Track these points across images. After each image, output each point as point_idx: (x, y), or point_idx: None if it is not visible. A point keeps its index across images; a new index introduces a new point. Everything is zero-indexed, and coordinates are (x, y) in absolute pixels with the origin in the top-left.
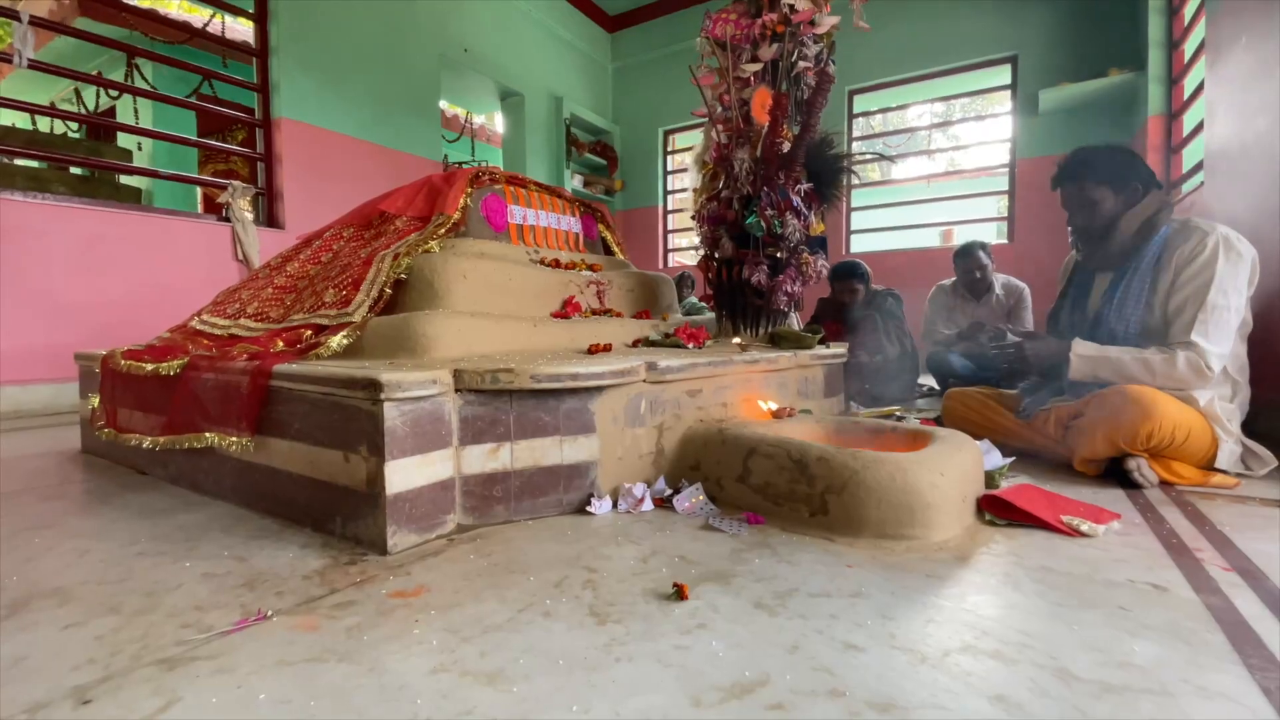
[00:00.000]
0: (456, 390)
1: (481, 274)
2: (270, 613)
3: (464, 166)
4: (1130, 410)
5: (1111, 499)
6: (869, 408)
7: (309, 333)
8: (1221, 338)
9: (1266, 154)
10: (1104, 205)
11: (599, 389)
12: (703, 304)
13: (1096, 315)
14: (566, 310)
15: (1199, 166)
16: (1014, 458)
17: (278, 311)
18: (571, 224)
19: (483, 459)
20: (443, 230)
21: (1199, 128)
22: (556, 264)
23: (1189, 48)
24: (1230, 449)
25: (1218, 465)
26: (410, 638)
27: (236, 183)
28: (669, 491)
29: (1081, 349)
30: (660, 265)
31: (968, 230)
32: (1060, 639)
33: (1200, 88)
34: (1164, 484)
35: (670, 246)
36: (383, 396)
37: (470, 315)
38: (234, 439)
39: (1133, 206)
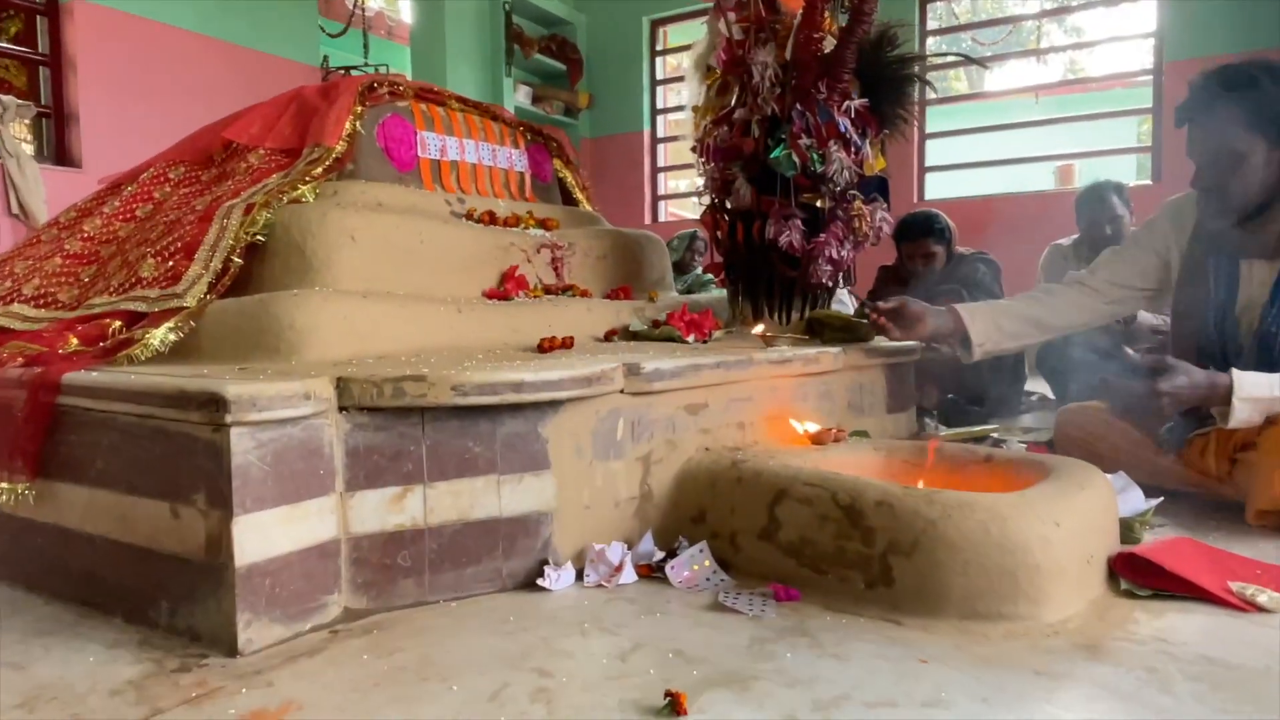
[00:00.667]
0: (341, 409)
1: (379, 234)
2: None
3: (353, 74)
4: None
5: None
6: (953, 426)
7: (117, 324)
8: None
9: None
10: (1254, 163)
11: (554, 404)
12: (709, 278)
13: (1257, 327)
14: (507, 287)
15: None
16: (1161, 499)
17: (70, 293)
18: (514, 159)
19: (382, 511)
20: (319, 169)
21: None
22: (491, 219)
23: None
24: None
25: None
26: None
27: (8, 98)
28: (659, 555)
29: (1247, 387)
30: (648, 219)
31: (1095, 167)
32: None
33: None
34: None
35: (664, 191)
36: (229, 419)
37: (362, 296)
38: (4, 486)
39: None
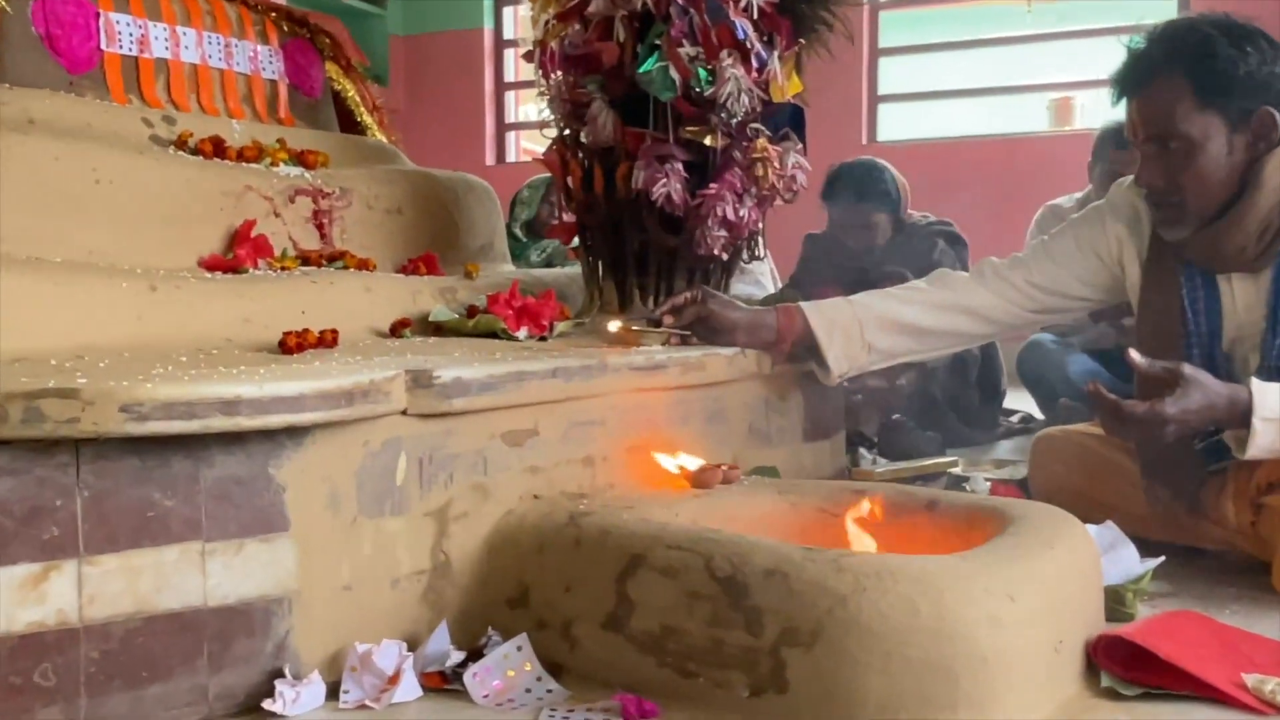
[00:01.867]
0: None
1: (28, 168)
2: None
3: None
4: None
5: None
6: (898, 459)
7: None
8: None
9: None
10: (1213, 150)
11: (295, 433)
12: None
13: (1258, 364)
14: (238, 254)
15: None
16: (1162, 558)
17: None
18: (261, 61)
19: (8, 603)
20: None
21: None
22: (218, 150)
23: None
24: None
25: None
26: None
27: None
28: (458, 656)
29: (1271, 404)
30: (490, 158)
31: (1104, 102)
32: None
33: None
34: None
35: (514, 119)
36: None
37: None
38: None
39: (1273, 148)
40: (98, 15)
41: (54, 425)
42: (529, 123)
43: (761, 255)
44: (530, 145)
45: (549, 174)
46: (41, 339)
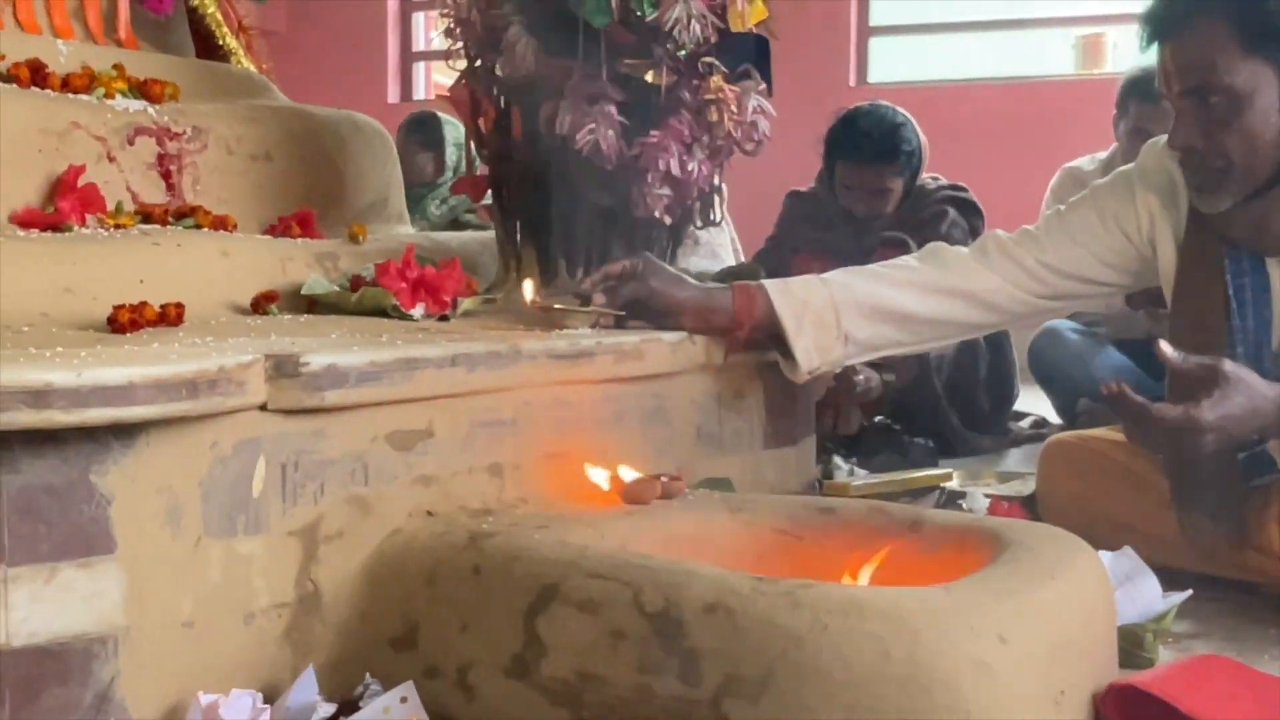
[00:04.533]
0: None
1: None
2: None
3: None
4: None
5: None
6: (880, 470)
7: None
8: None
9: None
10: (1262, 105)
11: (125, 432)
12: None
13: None
14: (60, 207)
15: None
16: (1189, 592)
17: None
18: None
19: None
20: None
21: None
22: (38, 77)
23: None
24: None
25: None
26: None
27: None
28: (328, 710)
29: None
30: (394, 95)
31: (1133, 38)
32: None
33: None
34: None
35: (425, 45)
36: None
37: None
38: None
39: None
40: None
41: None
42: (440, 51)
43: (718, 221)
44: (444, 79)
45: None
46: None
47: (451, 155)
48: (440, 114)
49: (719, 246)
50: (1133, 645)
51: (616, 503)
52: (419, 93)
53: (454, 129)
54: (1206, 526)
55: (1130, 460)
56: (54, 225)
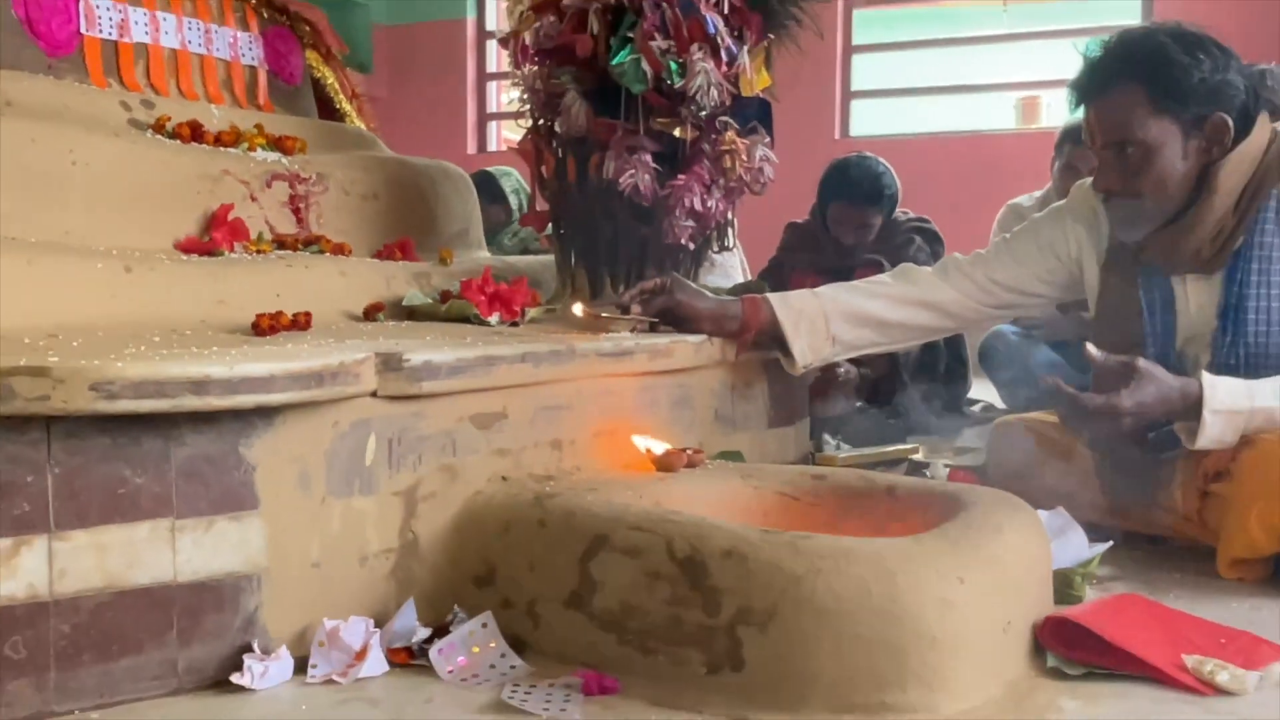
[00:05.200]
0: None
1: (5, 148)
2: None
3: None
4: None
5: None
6: (861, 445)
7: None
8: None
9: None
10: (1169, 155)
11: (266, 413)
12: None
13: (1208, 361)
14: (214, 237)
15: None
16: (1110, 543)
17: None
18: (242, 47)
19: None
20: None
21: None
22: (196, 134)
23: None
24: None
25: None
26: None
27: None
28: (424, 633)
29: (1221, 396)
30: (472, 147)
31: (1065, 98)
32: None
33: None
34: None
35: (495, 108)
36: None
37: None
38: None
39: (1226, 153)
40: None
41: (24, 403)
42: (509, 113)
43: (731, 246)
44: (511, 135)
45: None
46: (14, 317)
47: (513, 199)
48: (494, 170)
49: (730, 267)
50: (1064, 585)
51: (651, 471)
52: (491, 145)
53: (511, 179)
54: (1124, 491)
55: (1062, 438)
56: (209, 251)
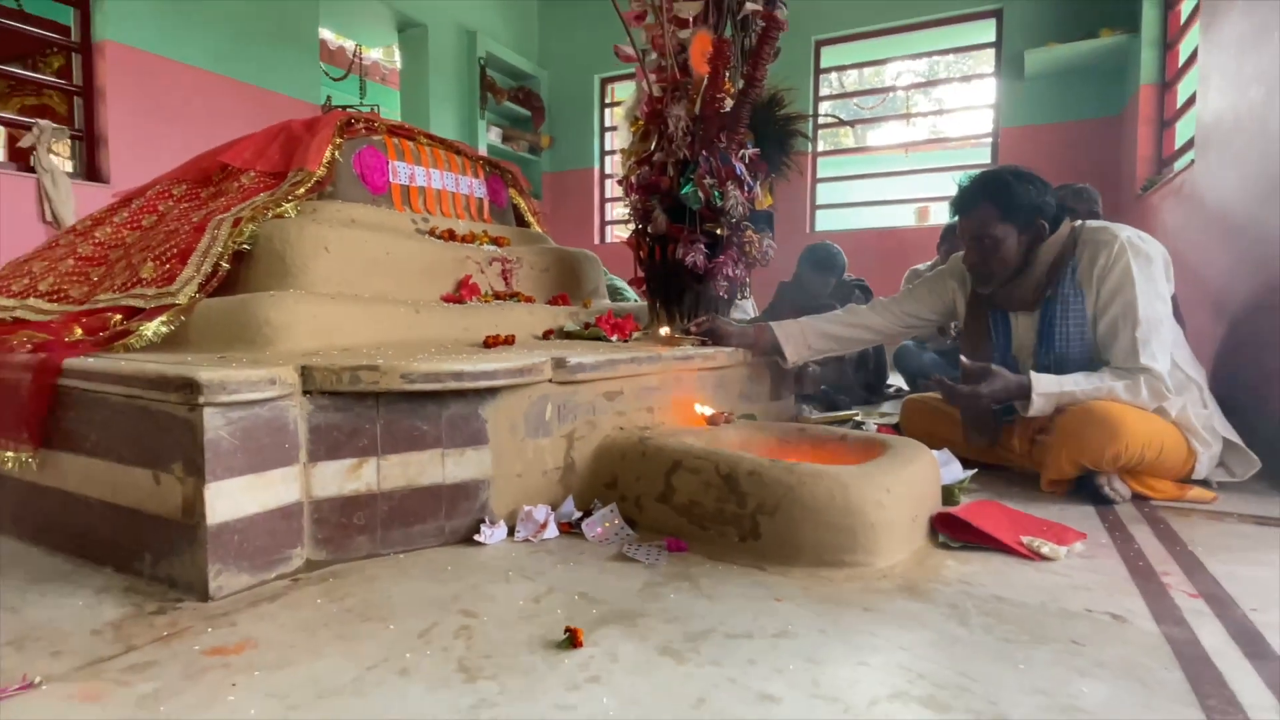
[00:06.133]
0: (305, 392)
1: (350, 246)
2: (39, 679)
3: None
4: (1095, 432)
5: (1080, 515)
6: (825, 411)
7: (117, 317)
8: (1165, 354)
9: (1260, 127)
10: (1009, 244)
11: (493, 391)
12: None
13: (1032, 363)
14: (461, 293)
15: (1191, 143)
16: (975, 470)
17: (80, 289)
18: (473, 187)
19: (340, 479)
20: (301, 190)
21: (1192, 100)
22: (451, 236)
23: (1185, 8)
24: (1209, 458)
25: (1196, 476)
26: (222, 706)
27: (45, 122)
28: (578, 515)
29: (1042, 385)
30: (596, 240)
31: (946, 208)
32: (1003, 681)
33: (1195, 54)
34: (1137, 498)
35: (610, 218)
36: (202, 400)
37: (331, 298)
38: (11, 454)
39: (1042, 242)
40: (388, 162)
41: (365, 385)
42: (618, 220)
43: (747, 296)
44: (620, 233)
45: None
46: (358, 338)
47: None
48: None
49: (746, 308)
50: (947, 495)
51: (704, 425)
52: (607, 239)
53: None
54: (981, 439)
55: (944, 408)
56: (459, 301)
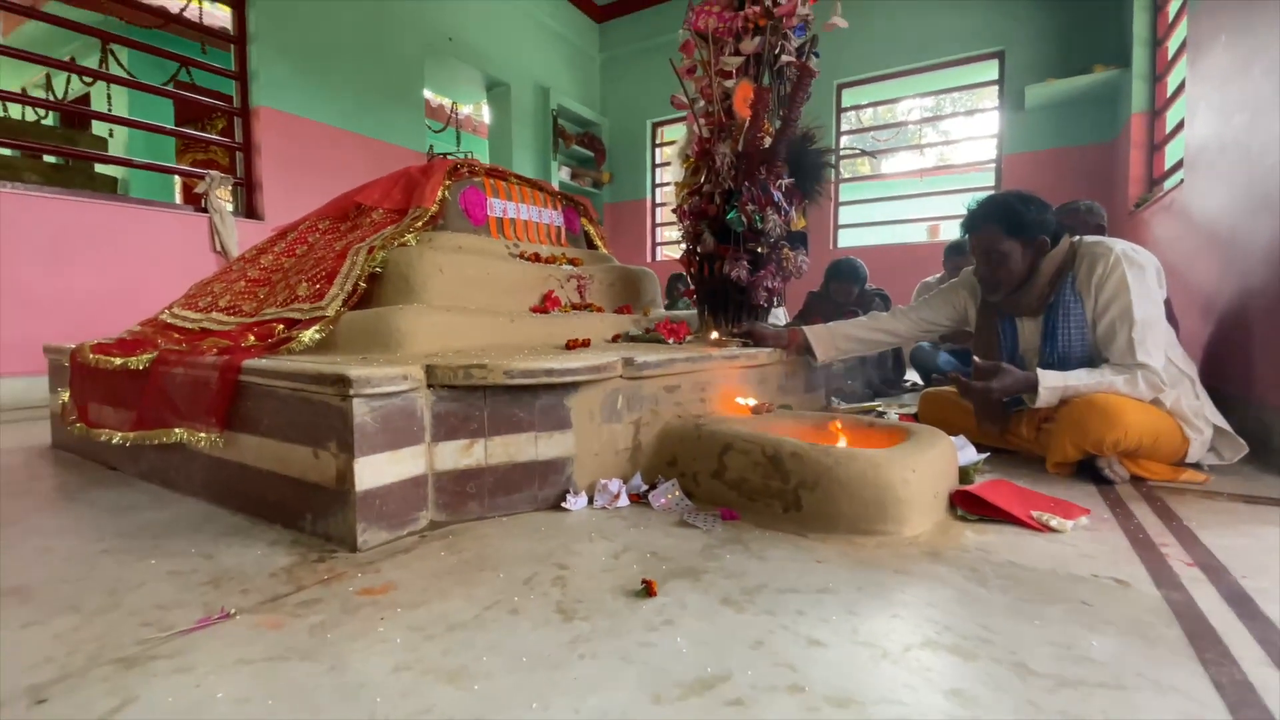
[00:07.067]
0: (429, 386)
1: (458, 268)
2: (233, 611)
3: (448, 158)
4: (1095, 420)
5: (1083, 494)
6: (851, 403)
7: (281, 327)
8: (1160, 351)
9: (1243, 151)
10: (1015, 259)
11: (575, 385)
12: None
13: (1037, 363)
14: (545, 305)
15: (1180, 165)
16: (988, 454)
17: (250, 305)
18: (553, 217)
19: (456, 455)
20: (420, 223)
21: (1180, 125)
22: (536, 258)
23: (1172, 45)
24: (1200, 443)
25: (1189, 460)
26: (374, 636)
27: (214, 173)
28: (645, 487)
29: (1048, 380)
30: (648, 259)
31: (954, 226)
32: (1021, 634)
33: (1182, 85)
34: (1135, 479)
35: (659, 240)
36: (352, 392)
37: (446, 310)
38: (203, 435)
39: (1044, 256)
40: (486, 199)
41: (475, 380)
42: (667, 241)
43: (781, 304)
44: (667, 253)
45: (679, 271)
46: (467, 342)
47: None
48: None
49: (779, 315)
50: (964, 475)
51: (749, 413)
52: (658, 258)
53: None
54: (992, 428)
55: (959, 401)
56: (544, 311)
